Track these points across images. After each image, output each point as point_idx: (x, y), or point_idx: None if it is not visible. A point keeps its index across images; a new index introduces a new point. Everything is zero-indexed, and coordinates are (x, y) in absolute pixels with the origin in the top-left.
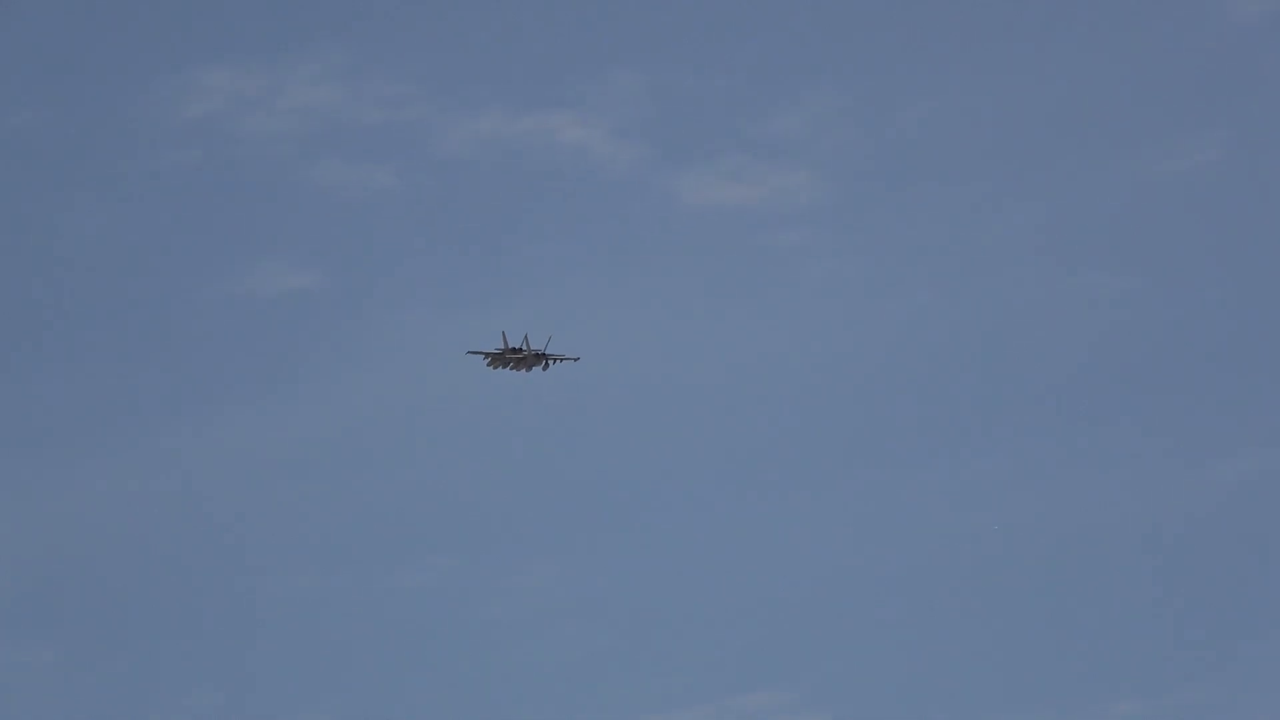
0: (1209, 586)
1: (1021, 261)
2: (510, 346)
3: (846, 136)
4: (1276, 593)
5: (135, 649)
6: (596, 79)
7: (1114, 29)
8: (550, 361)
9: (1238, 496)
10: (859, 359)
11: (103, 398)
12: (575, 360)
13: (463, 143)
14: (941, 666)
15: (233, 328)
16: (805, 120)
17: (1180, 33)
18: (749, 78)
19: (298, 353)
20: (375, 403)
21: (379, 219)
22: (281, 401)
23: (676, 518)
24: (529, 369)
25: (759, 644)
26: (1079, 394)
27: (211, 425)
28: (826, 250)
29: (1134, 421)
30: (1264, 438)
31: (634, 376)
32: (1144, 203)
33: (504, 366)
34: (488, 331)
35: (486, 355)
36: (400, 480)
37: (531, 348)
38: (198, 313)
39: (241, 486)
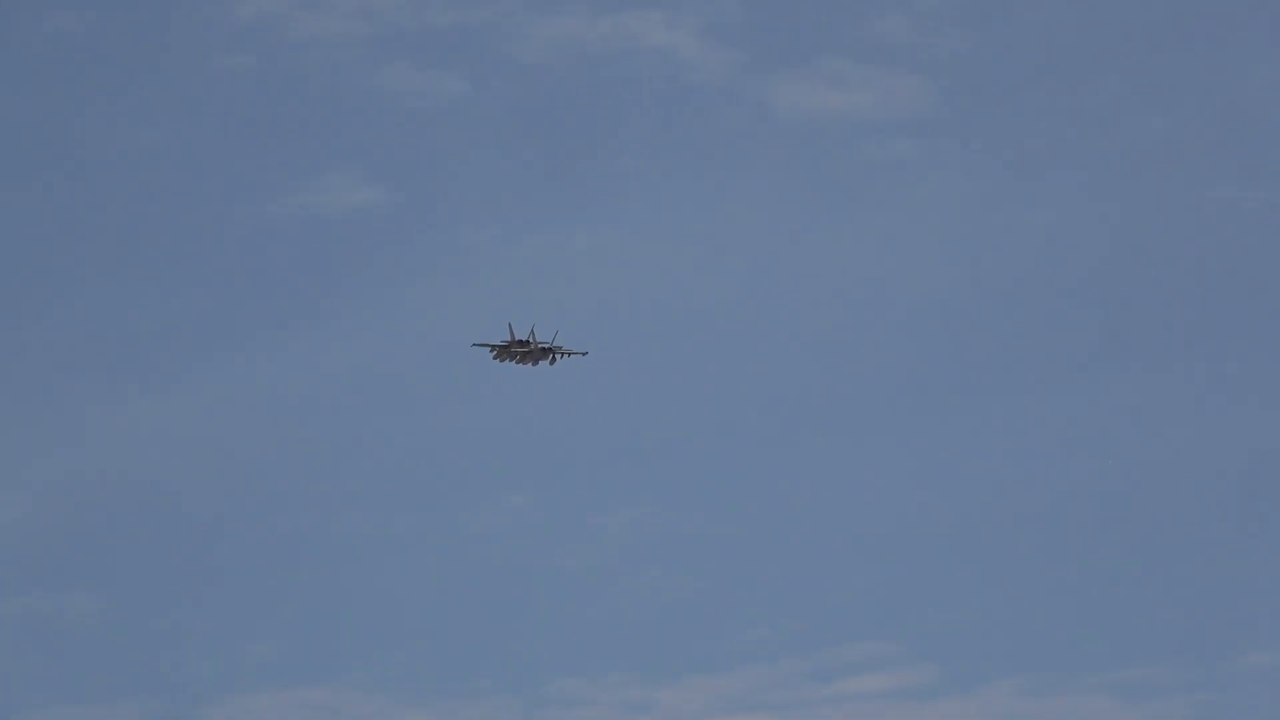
0: None
1: (1150, 174)
2: (517, 339)
3: (958, 37)
4: None
5: (195, 593)
6: None
7: None
8: (557, 355)
9: None
10: (973, 282)
11: (159, 323)
12: (584, 355)
13: (539, 46)
14: (1048, 615)
15: (294, 246)
16: (913, 20)
17: None
18: None
19: (365, 272)
20: (449, 327)
21: (449, 129)
22: (348, 328)
23: (767, 456)
24: (535, 363)
25: (855, 593)
26: (1215, 320)
27: (273, 352)
28: (937, 162)
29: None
30: None
31: (722, 302)
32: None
33: (510, 360)
34: (566, 250)
35: (492, 347)
36: (473, 414)
37: (538, 341)
38: (256, 231)
39: (303, 418)
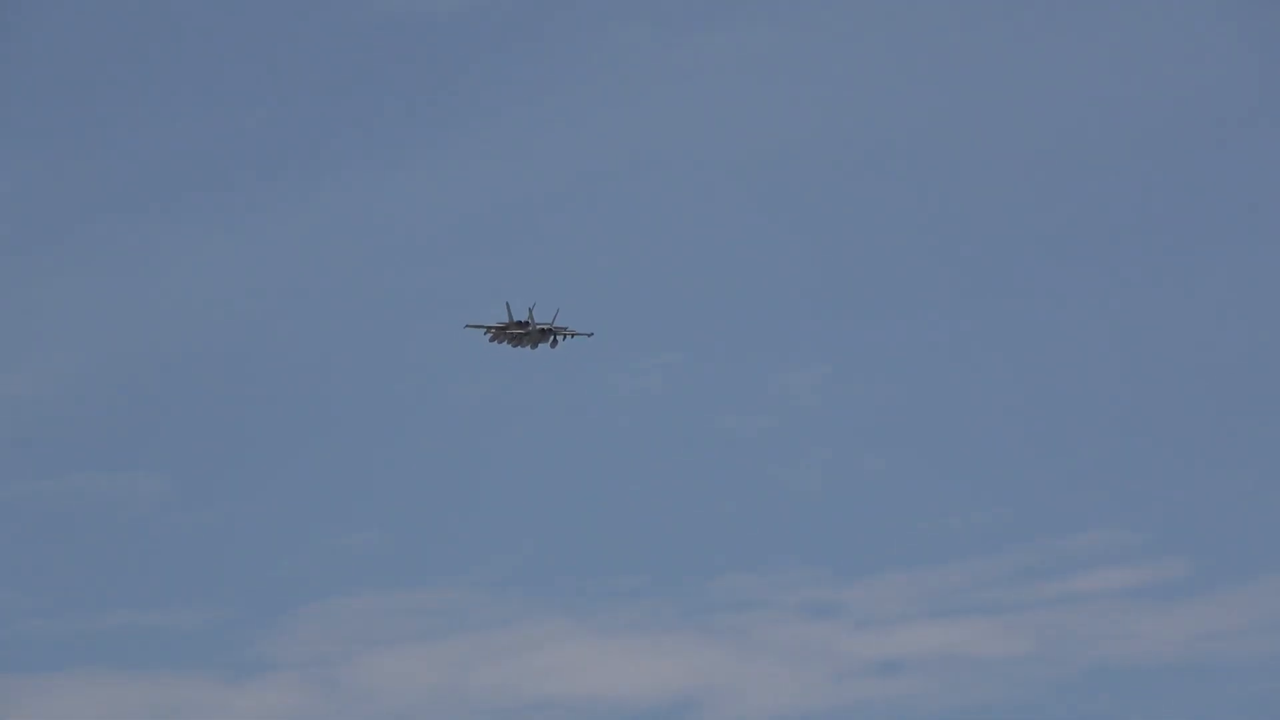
0: None
1: None
2: (515, 320)
3: None
4: None
5: (281, 475)
6: None
7: None
8: (559, 337)
9: None
10: None
11: (251, 139)
12: (589, 336)
13: None
14: None
15: (397, 50)
16: None
17: None
18: None
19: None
20: (593, 144)
21: None
22: (471, 145)
23: (984, 305)
24: (534, 345)
25: (1088, 471)
26: None
27: (385, 181)
28: None
29: None
30: None
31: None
32: None
33: (507, 341)
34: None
35: (487, 329)
36: (618, 250)
37: (536, 322)
38: (356, 34)
39: (418, 257)
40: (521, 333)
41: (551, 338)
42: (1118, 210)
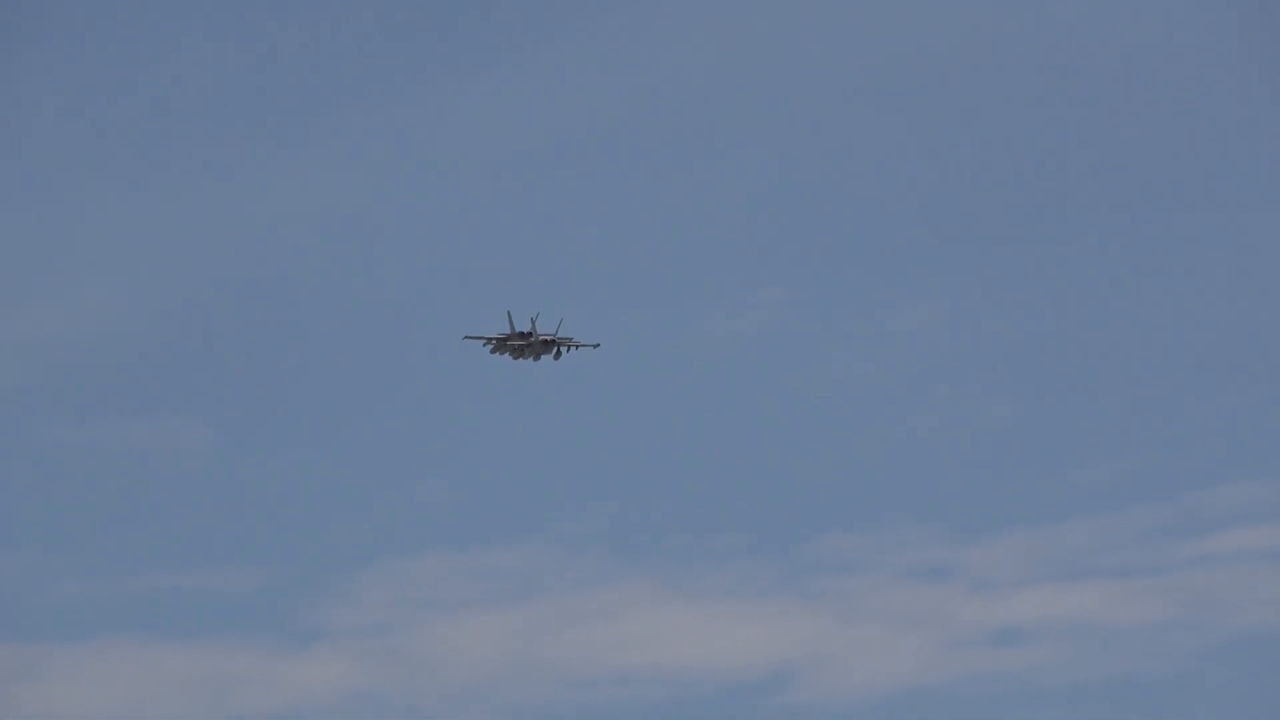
0: None
1: None
2: (516, 331)
3: None
4: None
5: (337, 424)
6: None
7: None
8: (563, 349)
9: None
10: None
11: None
12: (595, 347)
13: None
14: None
15: None
16: None
17: None
18: None
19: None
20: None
21: None
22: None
23: (1103, 232)
24: (537, 357)
25: (1228, 420)
26: None
27: (446, 93)
28: None
29: None
30: None
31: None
32: None
33: (508, 354)
34: None
35: (488, 340)
36: (715, 181)
37: (539, 333)
38: None
39: (477, 188)
40: (523, 344)
41: (555, 349)
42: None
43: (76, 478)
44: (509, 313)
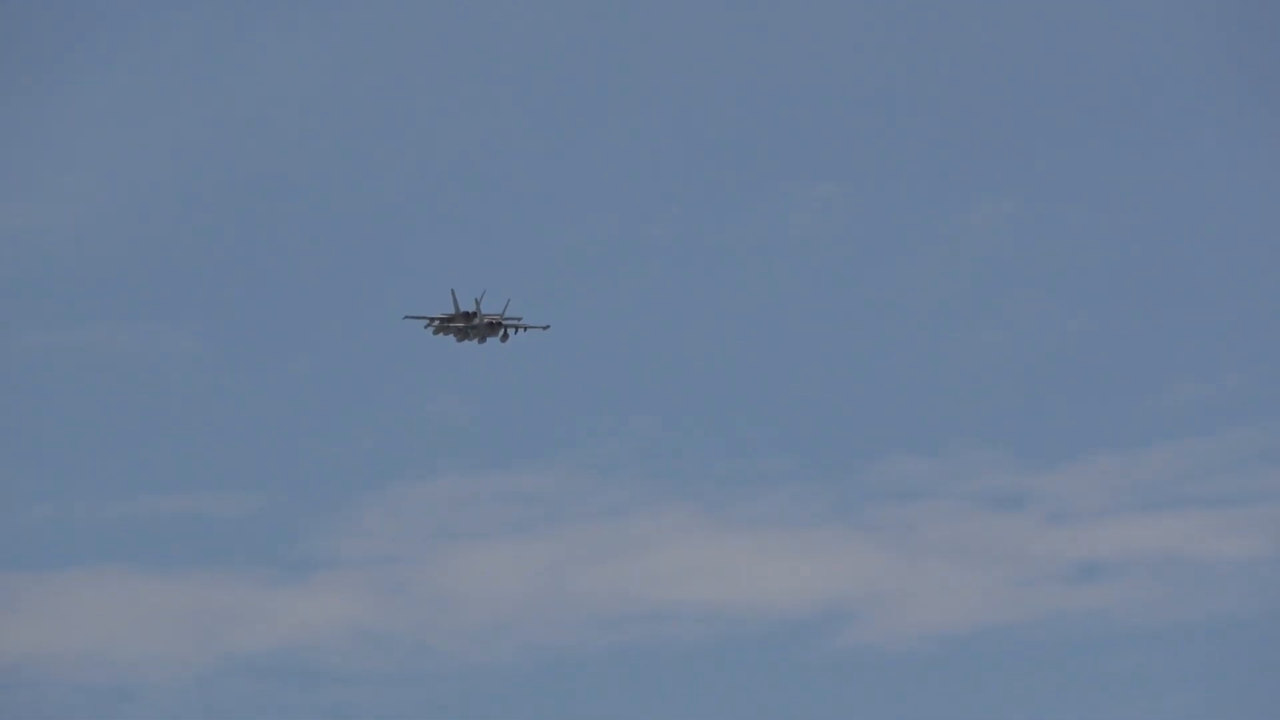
0: None
1: None
2: (460, 311)
3: None
4: None
5: (339, 331)
6: None
7: None
8: (510, 330)
9: None
10: None
11: None
12: (544, 329)
13: None
14: None
15: None
16: None
17: None
18: None
19: None
20: None
21: None
22: None
23: (1198, 132)
24: (483, 339)
25: None
26: None
27: None
28: None
29: None
30: None
31: None
32: None
33: (450, 335)
34: None
35: (429, 320)
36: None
37: (484, 314)
38: None
39: (505, 76)
40: (465, 326)
41: (502, 331)
42: None
43: (50, 389)
44: (453, 291)
